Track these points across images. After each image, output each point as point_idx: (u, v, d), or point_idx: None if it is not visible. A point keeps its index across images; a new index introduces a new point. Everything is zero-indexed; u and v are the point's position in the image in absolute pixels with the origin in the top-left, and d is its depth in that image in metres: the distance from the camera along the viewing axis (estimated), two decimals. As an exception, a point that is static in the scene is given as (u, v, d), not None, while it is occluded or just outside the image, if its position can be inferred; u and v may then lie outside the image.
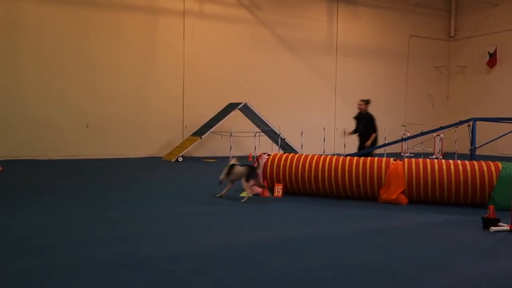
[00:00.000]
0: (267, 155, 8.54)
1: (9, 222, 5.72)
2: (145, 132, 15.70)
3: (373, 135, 10.10)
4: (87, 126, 14.83)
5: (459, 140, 14.04)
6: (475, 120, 10.31)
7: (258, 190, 8.05)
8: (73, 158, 14.39)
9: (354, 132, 10.46)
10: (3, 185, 8.90)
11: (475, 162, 7.42)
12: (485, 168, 7.23)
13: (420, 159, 7.78)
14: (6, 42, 13.82)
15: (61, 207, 6.74)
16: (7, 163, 12.18)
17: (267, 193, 8.02)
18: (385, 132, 15.83)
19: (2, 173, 10.48)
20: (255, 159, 8.90)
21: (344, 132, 10.81)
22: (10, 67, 13.87)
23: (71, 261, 4.21)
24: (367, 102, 10.43)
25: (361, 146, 10.28)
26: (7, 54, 13.83)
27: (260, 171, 8.21)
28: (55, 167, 12.15)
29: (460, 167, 7.32)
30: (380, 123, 18.62)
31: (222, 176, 7.84)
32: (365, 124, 10.17)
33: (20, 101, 13.96)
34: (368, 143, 10.05)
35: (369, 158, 7.96)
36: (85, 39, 14.77)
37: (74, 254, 4.43)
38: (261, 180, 8.15)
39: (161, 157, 15.41)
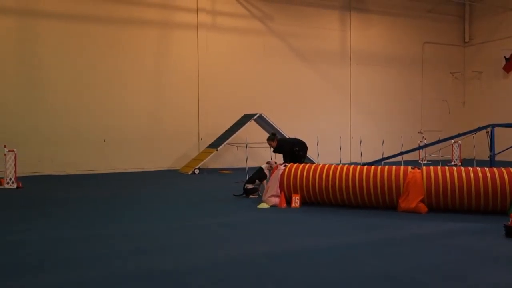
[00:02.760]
0: (284, 165, 8.52)
1: (30, 237, 5.79)
2: (161, 145, 15.81)
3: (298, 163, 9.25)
4: (104, 141, 15.00)
5: (477, 146, 13.85)
6: (493, 126, 10.17)
7: (276, 201, 8.04)
8: (91, 172, 14.54)
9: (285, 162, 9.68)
10: (24, 200, 9.03)
11: (495, 169, 7.31)
12: (505, 174, 7.12)
13: (439, 167, 7.69)
14: (24, 60, 14.10)
15: (81, 222, 6.81)
16: (26, 179, 12.36)
17: (284, 204, 8.00)
18: (401, 139, 15.72)
19: (22, 189, 10.64)
20: (271, 169, 8.89)
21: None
22: (29, 84, 14.12)
23: (92, 276, 4.24)
24: (272, 137, 9.93)
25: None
26: (26, 72, 14.09)
27: (276, 182, 8.21)
28: (73, 182, 12.29)
29: (480, 174, 7.21)
30: (396, 130, 18.72)
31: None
32: (286, 157, 9.65)
33: (38, 118, 14.19)
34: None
35: (386, 166, 7.89)
36: (100, 55, 15.00)
37: (95, 269, 4.46)
38: (278, 190, 8.15)
39: (178, 169, 15.49)
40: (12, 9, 13.97)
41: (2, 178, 10.91)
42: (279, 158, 10.63)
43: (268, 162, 9.11)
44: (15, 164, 10.85)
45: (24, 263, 4.67)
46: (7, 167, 10.75)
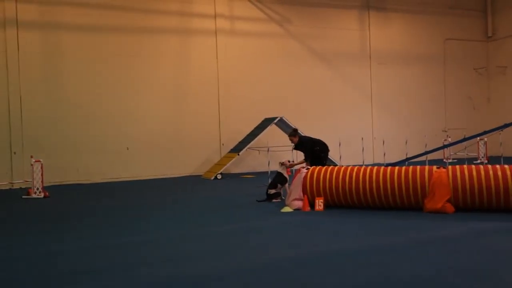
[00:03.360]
0: (306, 169, 8.48)
1: (60, 247, 5.88)
2: (183, 151, 15.92)
3: (307, 163, 9.43)
4: (127, 149, 15.18)
5: (504, 143, 13.52)
6: (520, 122, 9.92)
7: (299, 204, 8.00)
8: (115, 180, 14.72)
9: (306, 160, 9.70)
10: (51, 210, 9.18)
11: (523, 166, 7.13)
12: (534, 171, 6.93)
13: (465, 165, 7.53)
14: (49, 71, 14.39)
15: (108, 230, 6.89)
16: (53, 188, 12.58)
17: (308, 207, 7.95)
18: (425, 138, 15.47)
19: (49, 198, 10.83)
20: (294, 173, 8.86)
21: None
22: (53, 95, 14.41)
23: (125, 285, 4.28)
24: (295, 133, 9.89)
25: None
26: (50, 83, 14.38)
27: (299, 185, 8.17)
28: (98, 190, 12.46)
29: (508, 172, 7.04)
30: (419, 129, 18.45)
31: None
32: (307, 153, 9.61)
33: (63, 127, 14.45)
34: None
35: (411, 167, 7.76)
36: (121, 64, 15.21)
37: (126, 278, 4.49)
38: (301, 193, 8.11)
39: (201, 175, 15.56)
40: (36, 22, 14.29)
41: (30, 188, 11.14)
42: (299, 156, 10.58)
43: (281, 163, 9.11)
44: (41, 174, 11.05)
45: (57, 273, 4.73)
46: (34, 177, 10.97)
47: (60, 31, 14.50)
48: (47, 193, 11.10)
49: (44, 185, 11.35)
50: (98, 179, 14.61)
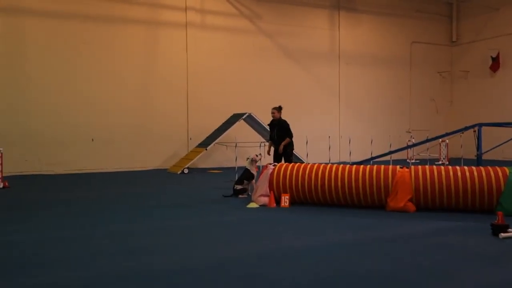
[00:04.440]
0: (273, 165, 8.53)
1: (16, 237, 5.73)
2: (150, 144, 15.74)
3: (287, 139, 10.23)
4: (92, 140, 14.90)
5: (464, 145, 13.99)
6: (480, 125, 10.28)
7: (265, 200, 8.05)
8: (79, 172, 14.43)
9: (270, 139, 10.63)
10: (10, 200, 8.93)
11: (482, 168, 7.39)
12: (492, 173, 7.20)
13: (427, 166, 7.75)
14: (10, 57, 13.95)
15: (69, 221, 6.75)
16: (13, 178, 12.23)
17: (274, 204, 8.01)
18: (390, 138, 15.83)
19: (8, 189, 10.53)
20: (261, 169, 8.91)
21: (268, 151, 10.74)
22: (15, 82, 13.98)
23: (83, 276, 4.22)
24: (279, 109, 10.58)
25: (276, 153, 10.36)
26: (11, 70, 13.95)
27: (266, 181, 8.23)
28: (61, 182, 12.19)
29: (467, 173, 7.29)
30: (384, 129, 18.84)
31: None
32: (279, 131, 10.33)
33: (25, 116, 14.05)
34: (281, 147, 10.16)
35: (375, 166, 7.93)
36: (88, 53, 14.90)
37: (85, 269, 4.43)
38: (267, 189, 8.16)
39: (167, 169, 15.43)
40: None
41: (-11, 178, 10.80)
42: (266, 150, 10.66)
43: (251, 159, 9.18)
44: (0, 164, 10.73)
45: (12, 263, 4.62)
46: (-7, 167, 10.63)
47: (23, 17, 14.06)
48: (6, 183, 10.79)
49: (4, 175, 11.02)
50: (61, 170, 14.29)
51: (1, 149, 10.82)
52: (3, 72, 13.84)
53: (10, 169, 13.06)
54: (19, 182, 11.84)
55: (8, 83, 13.90)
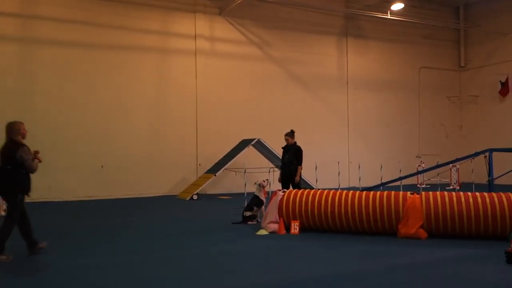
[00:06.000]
0: (283, 191, 8.50)
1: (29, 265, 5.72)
2: (159, 170, 15.77)
3: (299, 168, 10.17)
4: (102, 167, 14.96)
5: (475, 170, 13.85)
6: (491, 151, 10.20)
7: (275, 227, 8.00)
8: (88, 199, 14.45)
9: (282, 162, 10.66)
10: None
11: (494, 194, 7.30)
12: (504, 199, 7.11)
13: (438, 192, 7.68)
14: (22, 86, 14.15)
15: (77, 250, 6.73)
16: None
17: (283, 231, 7.95)
18: (399, 164, 15.72)
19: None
20: (270, 195, 8.87)
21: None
22: (26, 110, 14.11)
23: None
24: (291, 134, 10.57)
25: (284, 177, 10.30)
26: (22, 98, 14.12)
27: (275, 208, 8.18)
28: (70, 209, 12.21)
29: (479, 199, 7.20)
30: (394, 154, 18.74)
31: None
32: (291, 155, 10.29)
33: (34, 144, 14.13)
34: (297, 178, 10.09)
35: (385, 191, 7.86)
36: (99, 81, 15.10)
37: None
38: (277, 216, 8.11)
39: (176, 195, 15.42)
40: (12, 35, 14.11)
41: (-1, 205, 10.85)
42: (275, 176, 10.63)
43: (259, 184, 9.17)
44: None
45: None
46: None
47: (36, 45, 14.32)
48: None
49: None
50: (70, 197, 14.30)
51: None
52: (15, 99, 14.02)
53: (20, 196, 13.10)
54: (29, 209, 11.82)
55: (18, 111, 14.05)
